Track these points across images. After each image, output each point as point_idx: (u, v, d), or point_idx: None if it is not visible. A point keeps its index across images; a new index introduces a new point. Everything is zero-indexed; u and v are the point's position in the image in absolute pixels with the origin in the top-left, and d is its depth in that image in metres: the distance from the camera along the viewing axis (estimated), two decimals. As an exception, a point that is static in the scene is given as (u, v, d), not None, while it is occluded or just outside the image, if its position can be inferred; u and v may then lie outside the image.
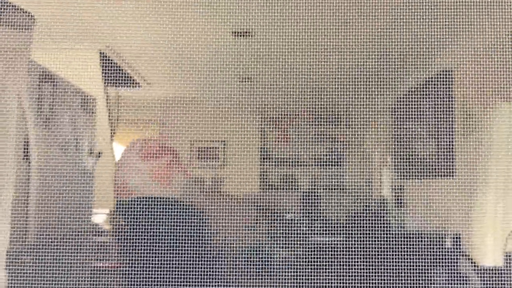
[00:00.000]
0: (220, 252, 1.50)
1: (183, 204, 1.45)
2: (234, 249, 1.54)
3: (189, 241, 1.36)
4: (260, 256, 1.56)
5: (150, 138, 1.54)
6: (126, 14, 2.73)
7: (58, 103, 1.64)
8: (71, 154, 1.76)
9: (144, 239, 1.40)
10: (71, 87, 1.79)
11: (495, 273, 1.89)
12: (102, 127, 3.13)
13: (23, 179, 1.36)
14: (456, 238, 2.43)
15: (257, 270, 1.59)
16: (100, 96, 3.10)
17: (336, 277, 1.61)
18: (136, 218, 1.44)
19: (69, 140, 1.74)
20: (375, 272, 1.84)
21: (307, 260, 1.71)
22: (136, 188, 1.43)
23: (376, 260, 1.85)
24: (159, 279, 1.35)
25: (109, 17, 2.77)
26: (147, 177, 1.42)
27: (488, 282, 1.89)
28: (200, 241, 1.42)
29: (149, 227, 1.39)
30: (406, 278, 1.64)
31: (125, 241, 1.45)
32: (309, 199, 5.26)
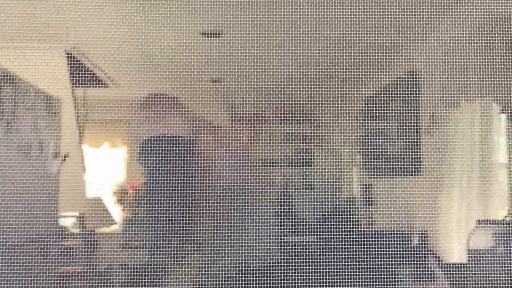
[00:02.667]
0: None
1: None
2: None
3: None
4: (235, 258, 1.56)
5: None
6: (93, 14, 2.68)
7: (20, 106, 1.60)
8: (35, 157, 1.72)
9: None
10: (34, 89, 1.75)
11: (460, 270, 1.94)
12: (69, 129, 3.07)
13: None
14: (423, 235, 2.48)
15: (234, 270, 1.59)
16: (67, 97, 3.05)
17: (308, 275, 1.62)
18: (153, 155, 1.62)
19: (32, 143, 1.70)
20: (345, 269, 1.86)
21: (280, 259, 1.72)
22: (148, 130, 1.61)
23: (346, 257, 1.87)
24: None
25: (76, 17, 2.72)
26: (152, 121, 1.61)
27: (454, 278, 1.93)
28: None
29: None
30: (375, 275, 1.66)
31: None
32: (279, 199, 5.27)
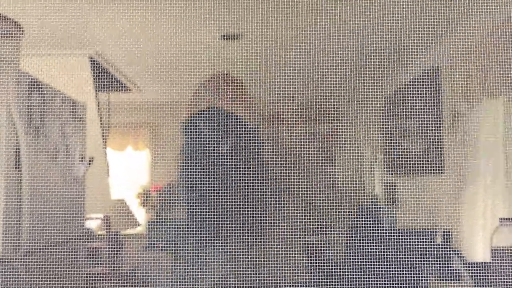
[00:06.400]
0: None
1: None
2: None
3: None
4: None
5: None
6: (116, 20, 2.74)
7: (48, 111, 1.65)
8: (62, 161, 1.77)
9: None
10: (61, 95, 1.80)
11: (484, 268, 1.92)
12: (93, 133, 3.14)
13: (15, 188, 1.38)
14: (447, 234, 2.46)
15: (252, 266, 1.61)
16: (91, 102, 3.11)
17: (330, 274, 1.63)
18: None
19: (59, 148, 1.75)
20: (368, 269, 1.87)
21: (302, 257, 1.73)
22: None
23: (369, 257, 1.87)
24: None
25: (99, 24, 2.78)
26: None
27: (478, 277, 1.91)
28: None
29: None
30: (398, 273, 1.66)
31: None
32: (302, 198, 5.28)
